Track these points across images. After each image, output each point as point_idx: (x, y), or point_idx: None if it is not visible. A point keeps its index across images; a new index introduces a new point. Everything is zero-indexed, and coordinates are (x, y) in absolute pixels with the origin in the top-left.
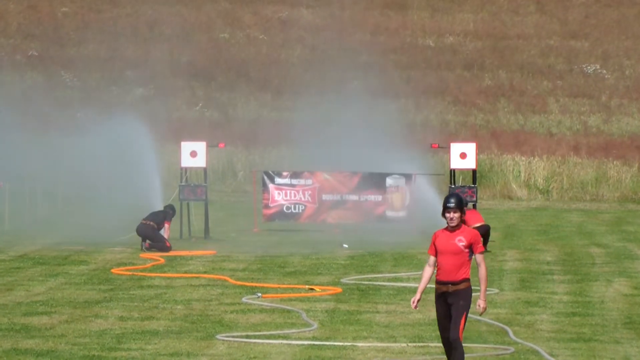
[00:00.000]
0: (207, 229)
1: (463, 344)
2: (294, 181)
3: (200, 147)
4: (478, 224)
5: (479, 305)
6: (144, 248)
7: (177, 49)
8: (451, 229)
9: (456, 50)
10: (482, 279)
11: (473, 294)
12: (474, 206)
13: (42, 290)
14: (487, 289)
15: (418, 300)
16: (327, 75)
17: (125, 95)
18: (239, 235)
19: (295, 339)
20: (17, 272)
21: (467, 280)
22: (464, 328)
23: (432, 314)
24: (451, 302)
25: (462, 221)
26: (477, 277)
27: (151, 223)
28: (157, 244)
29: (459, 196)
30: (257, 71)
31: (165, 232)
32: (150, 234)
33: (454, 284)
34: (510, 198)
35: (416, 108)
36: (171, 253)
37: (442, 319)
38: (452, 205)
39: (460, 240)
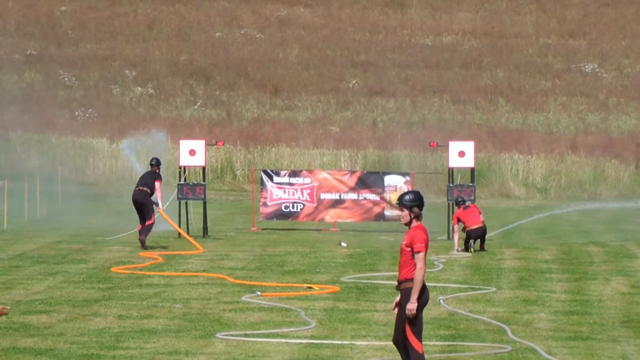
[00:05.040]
0: (205, 228)
1: (463, 342)
2: (293, 180)
3: (199, 145)
4: (475, 226)
5: (407, 308)
6: (142, 247)
7: (176, 48)
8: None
9: (454, 49)
10: (415, 280)
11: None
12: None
13: (41, 288)
14: (485, 287)
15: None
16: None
17: (124, 94)
18: (237, 234)
19: (294, 337)
20: (16, 271)
21: (409, 280)
22: (413, 331)
23: (430, 312)
24: (401, 302)
25: (413, 219)
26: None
27: (144, 189)
28: (146, 226)
29: (410, 193)
30: (255, 70)
31: (157, 192)
32: (142, 200)
33: (399, 283)
34: (508, 197)
35: (414, 107)
36: (166, 252)
37: (397, 317)
38: (398, 202)
39: (404, 239)
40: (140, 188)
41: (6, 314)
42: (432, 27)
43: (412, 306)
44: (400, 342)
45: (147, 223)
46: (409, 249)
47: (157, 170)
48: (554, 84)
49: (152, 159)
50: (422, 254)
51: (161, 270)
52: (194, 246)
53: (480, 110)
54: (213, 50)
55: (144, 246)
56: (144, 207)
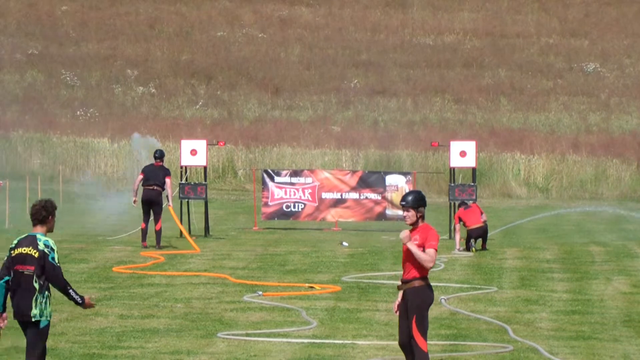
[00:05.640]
0: (207, 228)
1: (464, 342)
2: (294, 179)
3: (201, 145)
4: (475, 226)
5: (401, 236)
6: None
7: (177, 48)
8: (411, 227)
9: (456, 48)
10: (421, 253)
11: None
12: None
13: None
14: (486, 287)
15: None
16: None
17: (126, 93)
18: (239, 234)
19: (295, 337)
20: None
21: (418, 279)
22: (420, 330)
23: (432, 312)
24: (406, 301)
25: (420, 219)
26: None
27: (157, 188)
28: (157, 232)
29: (414, 194)
30: (257, 70)
31: (168, 189)
32: (155, 199)
33: (405, 282)
34: (509, 196)
35: (415, 106)
36: (166, 252)
37: (400, 319)
38: (403, 203)
39: (415, 240)
40: (153, 187)
41: (93, 305)
42: (433, 26)
43: (405, 235)
44: (406, 344)
45: (157, 229)
46: (421, 249)
47: (162, 164)
48: (555, 83)
49: (156, 151)
50: (434, 251)
51: (162, 270)
52: (194, 246)
53: (481, 110)
54: (214, 50)
55: (160, 247)
56: (155, 206)
